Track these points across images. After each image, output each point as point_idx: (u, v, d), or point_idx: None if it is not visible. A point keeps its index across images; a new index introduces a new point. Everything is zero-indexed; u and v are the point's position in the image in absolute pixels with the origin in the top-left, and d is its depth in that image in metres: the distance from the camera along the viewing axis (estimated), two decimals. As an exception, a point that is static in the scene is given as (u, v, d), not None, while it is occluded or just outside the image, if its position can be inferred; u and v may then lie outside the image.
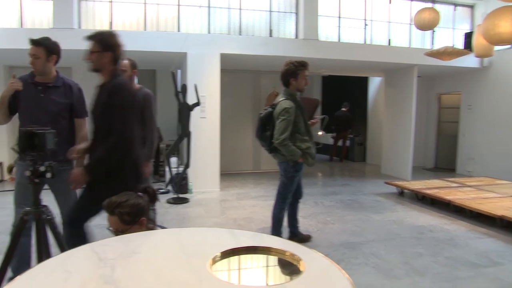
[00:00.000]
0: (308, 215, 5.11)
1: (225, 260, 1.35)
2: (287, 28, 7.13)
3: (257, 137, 3.83)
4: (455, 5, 8.18)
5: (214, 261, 1.31)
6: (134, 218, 1.85)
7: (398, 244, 4.07)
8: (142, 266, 1.30)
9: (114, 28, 6.26)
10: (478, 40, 5.17)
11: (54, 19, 5.91)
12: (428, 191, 5.81)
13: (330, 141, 11.18)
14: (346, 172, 9.27)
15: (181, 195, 5.97)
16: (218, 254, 1.35)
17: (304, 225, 4.63)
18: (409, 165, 7.95)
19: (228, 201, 5.97)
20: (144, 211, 1.90)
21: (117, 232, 1.84)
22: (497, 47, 5.35)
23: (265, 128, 3.70)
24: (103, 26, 6.22)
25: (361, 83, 10.99)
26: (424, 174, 8.53)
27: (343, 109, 10.65)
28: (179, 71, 8.09)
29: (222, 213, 5.33)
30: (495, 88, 8.05)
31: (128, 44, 6.21)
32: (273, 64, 7.24)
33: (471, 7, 8.26)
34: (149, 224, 1.94)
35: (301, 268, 1.28)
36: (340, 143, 10.90)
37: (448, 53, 5.81)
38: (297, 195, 4.00)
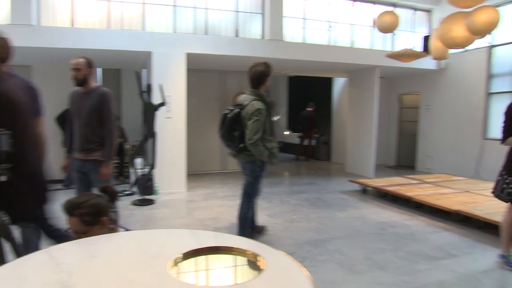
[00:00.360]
0: (274, 214, 5.17)
1: (187, 261, 1.35)
2: (253, 29, 7.16)
3: (222, 137, 3.76)
4: (415, 9, 8.51)
5: (176, 262, 1.31)
6: (95, 218, 1.82)
7: (361, 240, 4.19)
8: (101, 270, 1.27)
9: (76, 26, 6.05)
10: (434, 43, 5.41)
11: (12, 15, 5.64)
12: (389, 188, 6.02)
13: (296, 140, 11.33)
14: (311, 170, 9.42)
15: (146, 197, 5.87)
16: (180, 255, 1.35)
17: (270, 223, 4.68)
18: (372, 163, 8.20)
19: (195, 201, 5.93)
20: (105, 211, 1.88)
21: (78, 234, 1.80)
22: (452, 50, 5.61)
23: (233, 128, 3.68)
24: (64, 23, 6.01)
25: (326, 84, 11.21)
26: (386, 172, 8.81)
27: (309, 109, 10.83)
28: (145, 71, 7.94)
29: (188, 214, 5.29)
30: (451, 89, 8.45)
31: (91, 42, 6.08)
32: (239, 64, 7.26)
33: (429, 11, 8.62)
34: (111, 224, 1.91)
35: (263, 267, 1.30)
36: (306, 142, 11.07)
37: (408, 55, 6.03)
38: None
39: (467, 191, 5.74)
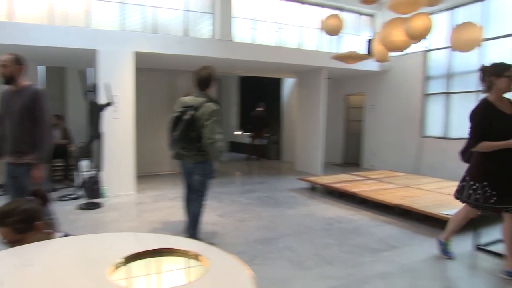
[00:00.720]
0: (225, 214, 5.18)
1: (128, 265, 1.33)
2: (204, 28, 7.12)
3: (178, 140, 3.68)
4: (359, 13, 8.88)
5: (117, 267, 1.29)
6: (28, 225, 1.72)
7: (310, 236, 4.32)
8: (36, 279, 1.22)
9: (16, 21, 5.66)
10: (377, 46, 5.68)
11: None
12: (336, 185, 6.24)
13: (247, 140, 11.41)
14: (262, 170, 9.54)
15: (93, 200, 5.64)
16: (122, 259, 1.33)
17: (221, 223, 4.69)
18: (320, 161, 8.46)
19: (145, 203, 5.80)
20: (38, 216, 1.78)
21: (12, 243, 1.70)
22: (392, 53, 5.92)
23: (190, 130, 3.65)
24: (1, 17, 5.62)
25: (276, 84, 11.38)
26: (333, 169, 9.10)
27: (259, 109, 10.92)
28: (91, 69, 7.62)
29: (137, 217, 5.16)
30: (392, 90, 8.93)
31: (33, 39, 5.74)
32: (189, 64, 7.18)
33: (372, 16, 9.04)
34: (47, 229, 1.81)
35: (206, 267, 1.31)
36: (256, 142, 11.17)
37: (352, 57, 6.30)
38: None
39: (407, 186, 6.09)
